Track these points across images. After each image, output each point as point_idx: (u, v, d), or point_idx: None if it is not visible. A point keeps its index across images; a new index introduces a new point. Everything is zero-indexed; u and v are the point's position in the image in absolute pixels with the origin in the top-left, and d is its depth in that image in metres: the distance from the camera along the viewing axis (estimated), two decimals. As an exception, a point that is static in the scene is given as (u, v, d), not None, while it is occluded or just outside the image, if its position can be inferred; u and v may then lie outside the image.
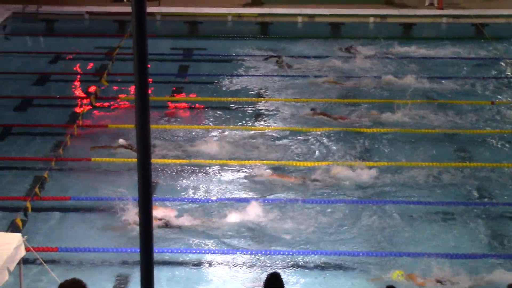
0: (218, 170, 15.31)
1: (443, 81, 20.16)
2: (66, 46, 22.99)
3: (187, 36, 24.61)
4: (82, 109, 17.97)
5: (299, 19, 25.75)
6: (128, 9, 23.13)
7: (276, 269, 11.54)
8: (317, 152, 16.20)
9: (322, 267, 12.26)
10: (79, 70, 21.44)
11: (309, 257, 12.47)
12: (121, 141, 16.02)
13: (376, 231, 13.26)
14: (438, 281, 11.81)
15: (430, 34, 24.72)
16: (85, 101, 18.73)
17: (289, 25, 25.31)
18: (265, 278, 8.19)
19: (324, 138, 16.78)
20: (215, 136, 16.85)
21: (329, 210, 13.84)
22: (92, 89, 19.41)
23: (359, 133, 17.06)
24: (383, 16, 25.85)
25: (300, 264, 12.36)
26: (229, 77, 20.46)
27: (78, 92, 19.91)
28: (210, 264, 12.44)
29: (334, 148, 16.34)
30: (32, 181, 14.66)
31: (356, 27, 25.06)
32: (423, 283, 11.78)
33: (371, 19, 25.70)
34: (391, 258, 12.46)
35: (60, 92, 19.73)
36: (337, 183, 14.77)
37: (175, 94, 19.56)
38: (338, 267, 12.29)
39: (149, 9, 23.98)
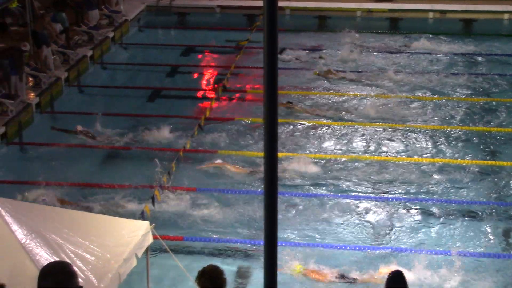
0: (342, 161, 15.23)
1: None
2: (197, 38, 23.44)
3: (315, 31, 24.57)
4: (209, 101, 18.24)
5: (430, 15, 25.25)
6: (258, 3, 23.43)
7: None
8: None
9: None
10: (208, 63, 21.79)
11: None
12: (79, 127, 16.55)
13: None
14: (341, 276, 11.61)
15: None
16: (213, 93, 19.00)
17: (419, 21, 24.85)
18: (387, 277, 8.05)
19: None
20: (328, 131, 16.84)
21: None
22: (220, 81, 19.68)
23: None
24: (519, 12, 25.04)
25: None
26: (354, 72, 20.29)
27: (207, 84, 20.24)
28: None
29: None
30: (160, 171, 14.96)
31: (490, 23, 24.35)
32: (319, 277, 11.59)
33: (506, 16, 24.90)
34: None
35: (189, 83, 20.14)
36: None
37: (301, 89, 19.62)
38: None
39: (280, 3, 24.04)
